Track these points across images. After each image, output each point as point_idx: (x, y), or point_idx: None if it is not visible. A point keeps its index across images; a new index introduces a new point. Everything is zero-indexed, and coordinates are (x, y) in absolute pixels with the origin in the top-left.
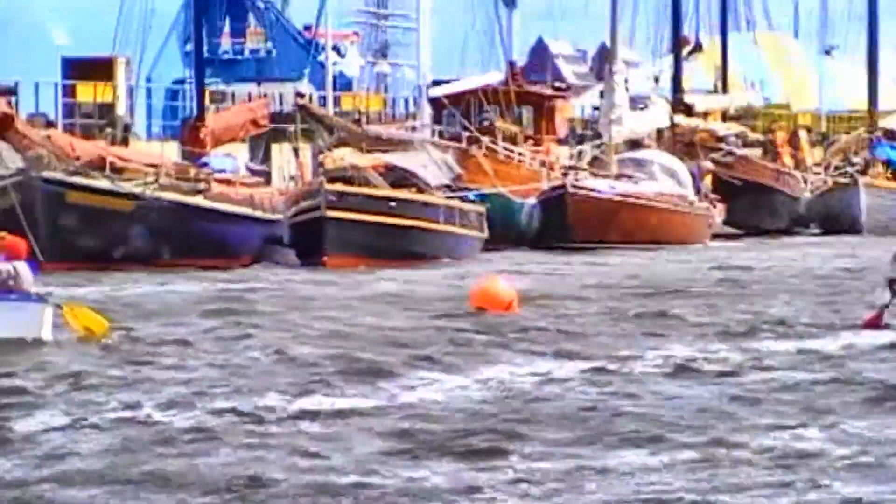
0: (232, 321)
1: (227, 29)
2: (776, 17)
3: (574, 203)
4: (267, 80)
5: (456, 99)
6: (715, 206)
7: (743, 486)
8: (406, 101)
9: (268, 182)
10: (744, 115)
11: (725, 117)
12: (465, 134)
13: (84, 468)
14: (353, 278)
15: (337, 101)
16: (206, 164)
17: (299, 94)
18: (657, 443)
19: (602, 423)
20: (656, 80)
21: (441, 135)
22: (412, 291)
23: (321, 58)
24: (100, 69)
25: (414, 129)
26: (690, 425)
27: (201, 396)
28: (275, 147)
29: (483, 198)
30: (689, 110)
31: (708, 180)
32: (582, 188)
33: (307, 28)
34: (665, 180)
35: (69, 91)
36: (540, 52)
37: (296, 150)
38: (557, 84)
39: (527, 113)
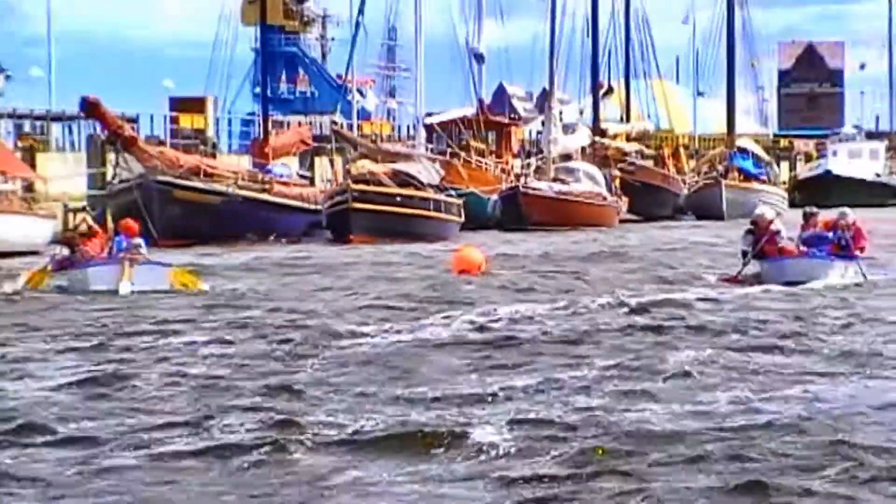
0: (297, 277)
1: (283, 77)
2: (663, 68)
3: (525, 198)
4: (311, 112)
5: (442, 126)
6: (622, 200)
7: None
8: (408, 128)
9: (312, 184)
10: (641, 137)
11: (629, 138)
12: (449, 150)
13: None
14: (371, 250)
15: (359, 128)
16: (269, 171)
17: (334, 123)
18: (587, 359)
19: (553, 343)
20: (581, 112)
21: (432, 150)
22: (413, 259)
23: (349, 97)
24: (195, 105)
25: (413, 146)
26: (613, 344)
27: (286, 326)
28: (317, 159)
29: (461, 194)
30: (603, 134)
31: (617, 182)
32: (530, 188)
33: (339, 76)
34: (587, 182)
35: (174, 120)
36: (500, 93)
37: (331, 162)
38: (513, 116)
39: (492, 136)
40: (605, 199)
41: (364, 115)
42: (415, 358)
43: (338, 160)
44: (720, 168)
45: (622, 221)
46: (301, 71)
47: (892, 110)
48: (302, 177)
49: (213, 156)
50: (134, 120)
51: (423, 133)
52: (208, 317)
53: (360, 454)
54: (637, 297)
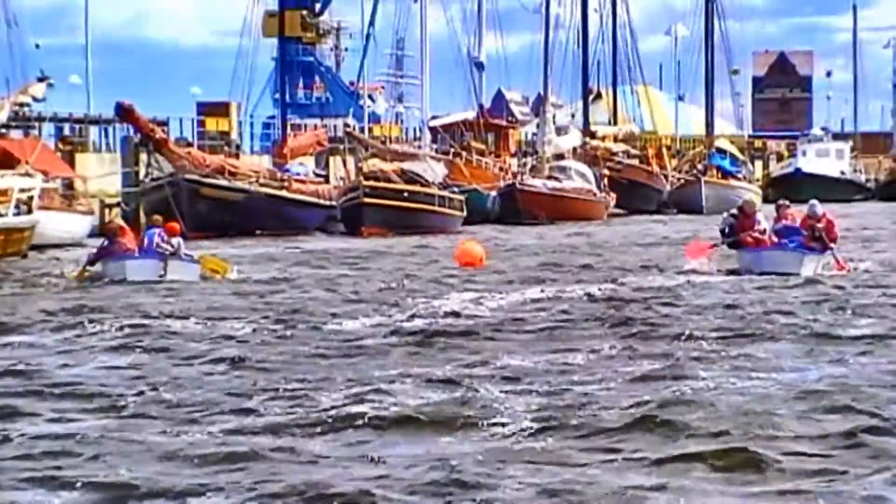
0: (314, 266)
1: (301, 84)
2: (647, 75)
3: (521, 195)
4: (326, 116)
5: (446, 128)
6: (610, 196)
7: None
8: (414, 130)
9: (326, 181)
10: (628, 139)
11: (616, 140)
12: (452, 150)
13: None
14: (381, 242)
15: (370, 130)
16: (287, 171)
17: (347, 125)
18: (581, 340)
19: (544, 326)
20: (572, 116)
21: (436, 151)
22: (419, 250)
23: (361, 102)
24: (220, 109)
25: (419, 147)
26: (600, 328)
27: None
28: (331, 159)
29: (463, 191)
30: (593, 135)
31: (605, 180)
32: (526, 185)
33: (352, 83)
34: (579, 180)
35: (201, 123)
36: (499, 98)
37: (344, 161)
38: (510, 119)
39: (491, 137)
40: (594, 195)
41: (374, 118)
42: (426, 341)
43: (350, 160)
44: (700, 167)
45: (610, 215)
46: (317, 78)
47: (856, 114)
48: (317, 175)
49: (237, 156)
50: (164, 123)
51: (428, 135)
52: (237, 303)
53: (374, 433)
54: (622, 282)
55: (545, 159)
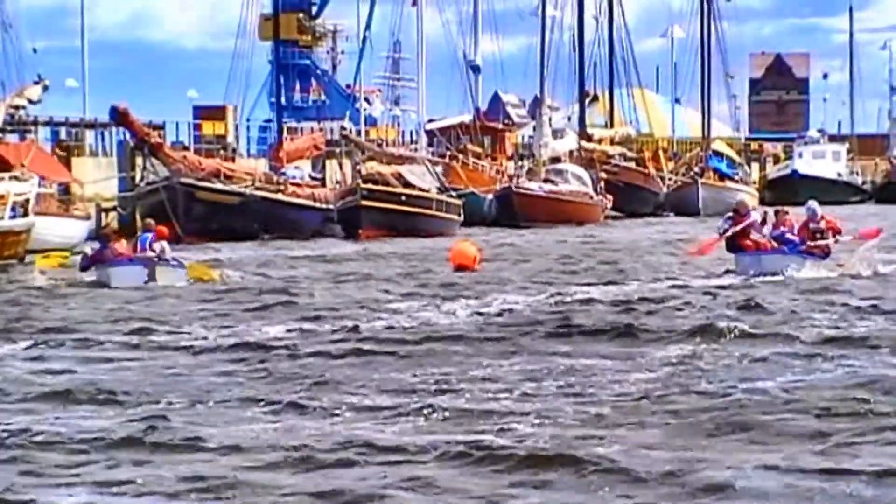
0: (317, 269)
1: (297, 87)
2: (644, 78)
3: (518, 198)
4: (323, 119)
5: (442, 131)
6: (606, 199)
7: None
8: (411, 133)
9: (323, 184)
10: (624, 141)
11: (613, 142)
12: (448, 153)
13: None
14: (379, 245)
15: (367, 133)
16: (284, 174)
17: (343, 128)
18: (583, 335)
19: (542, 327)
20: (569, 118)
21: (433, 154)
22: (416, 252)
23: (357, 105)
24: (216, 113)
25: (416, 150)
26: (604, 324)
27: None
28: (328, 162)
29: (461, 195)
30: (589, 138)
31: (602, 182)
32: (523, 188)
33: (349, 86)
34: (575, 182)
35: (197, 127)
36: (495, 101)
37: (340, 164)
38: (507, 122)
39: (487, 140)
40: (591, 197)
41: (371, 121)
42: (426, 341)
43: (347, 163)
44: (696, 169)
45: (607, 218)
46: (313, 81)
47: (852, 116)
48: (314, 178)
49: (233, 160)
50: (161, 127)
51: (424, 138)
52: (219, 305)
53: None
54: (625, 285)
55: (542, 162)
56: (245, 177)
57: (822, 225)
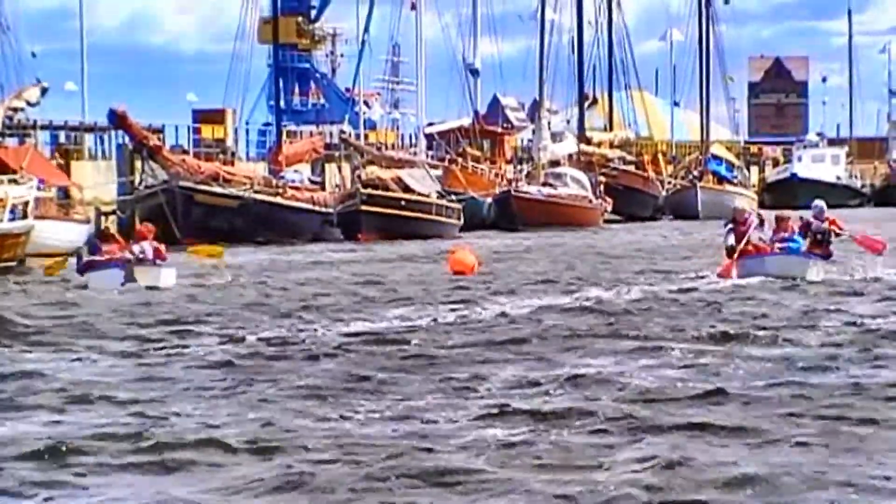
0: (316, 272)
1: (296, 90)
2: (643, 81)
3: (517, 201)
4: (322, 123)
5: (442, 134)
6: (606, 202)
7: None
8: (410, 136)
9: (322, 188)
10: (623, 145)
11: (612, 146)
12: (447, 157)
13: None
14: (378, 248)
15: (366, 137)
16: (283, 177)
17: (342, 132)
18: (584, 337)
19: (542, 334)
20: (568, 122)
21: (432, 157)
22: (416, 256)
23: (356, 109)
24: (216, 116)
25: (415, 154)
26: (607, 330)
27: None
28: (327, 166)
29: (461, 199)
30: (589, 142)
31: (601, 186)
32: (522, 192)
33: (348, 89)
34: (574, 186)
35: (196, 131)
36: (494, 104)
37: (339, 168)
38: (506, 125)
39: (487, 144)
40: (590, 201)
41: (370, 124)
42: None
43: (346, 166)
44: (695, 172)
45: (606, 221)
46: (313, 85)
47: (851, 119)
48: (313, 182)
49: (232, 163)
50: (160, 130)
51: (423, 141)
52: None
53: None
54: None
55: (541, 165)
56: (244, 180)
57: (825, 226)
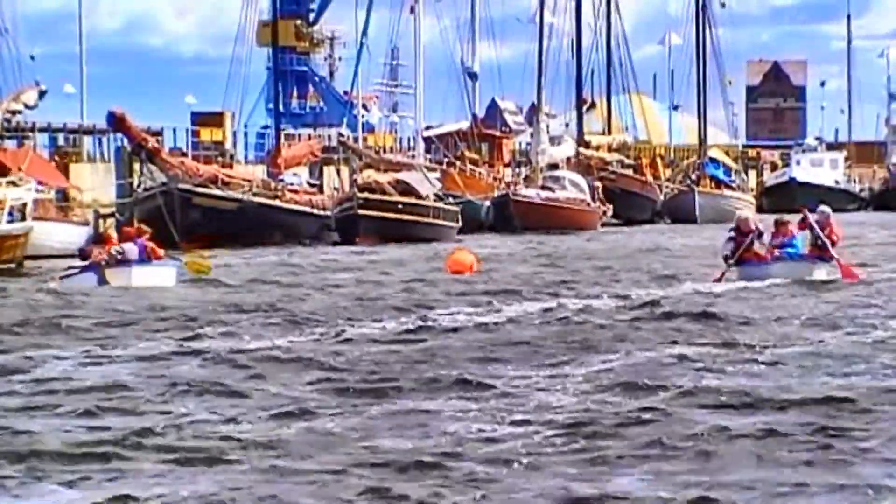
0: (314, 275)
1: (295, 93)
2: (641, 84)
3: (515, 204)
4: (320, 126)
5: (440, 138)
6: (604, 206)
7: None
8: (408, 140)
9: (320, 191)
10: (622, 148)
11: (610, 149)
12: (446, 160)
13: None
14: (375, 251)
15: (364, 140)
16: (281, 180)
17: (341, 135)
18: (582, 339)
19: (540, 339)
20: (566, 125)
21: (430, 160)
22: (414, 258)
23: (355, 112)
24: (215, 119)
25: (413, 157)
26: (608, 336)
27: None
28: (325, 169)
29: (459, 202)
30: (587, 145)
31: (599, 189)
32: (520, 195)
33: (346, 92)
34: (572, 189)
35: (195, 133)
36: (492, 108)
37: (338, 171)
38: (504, 129)
39: (485, 147)
40: (588, 204)
41: (368, 128)
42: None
43: (344, 170)
44: (693, 176)
45: (604, 225)
46: (311, 88)
47: (850, 123)
48: (311, 185)
49: (231, 166)
50: (158, 133)
51: (422, 144)
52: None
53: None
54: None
55: (539, 169)
56: (243, 183)
57: (825, 232)
